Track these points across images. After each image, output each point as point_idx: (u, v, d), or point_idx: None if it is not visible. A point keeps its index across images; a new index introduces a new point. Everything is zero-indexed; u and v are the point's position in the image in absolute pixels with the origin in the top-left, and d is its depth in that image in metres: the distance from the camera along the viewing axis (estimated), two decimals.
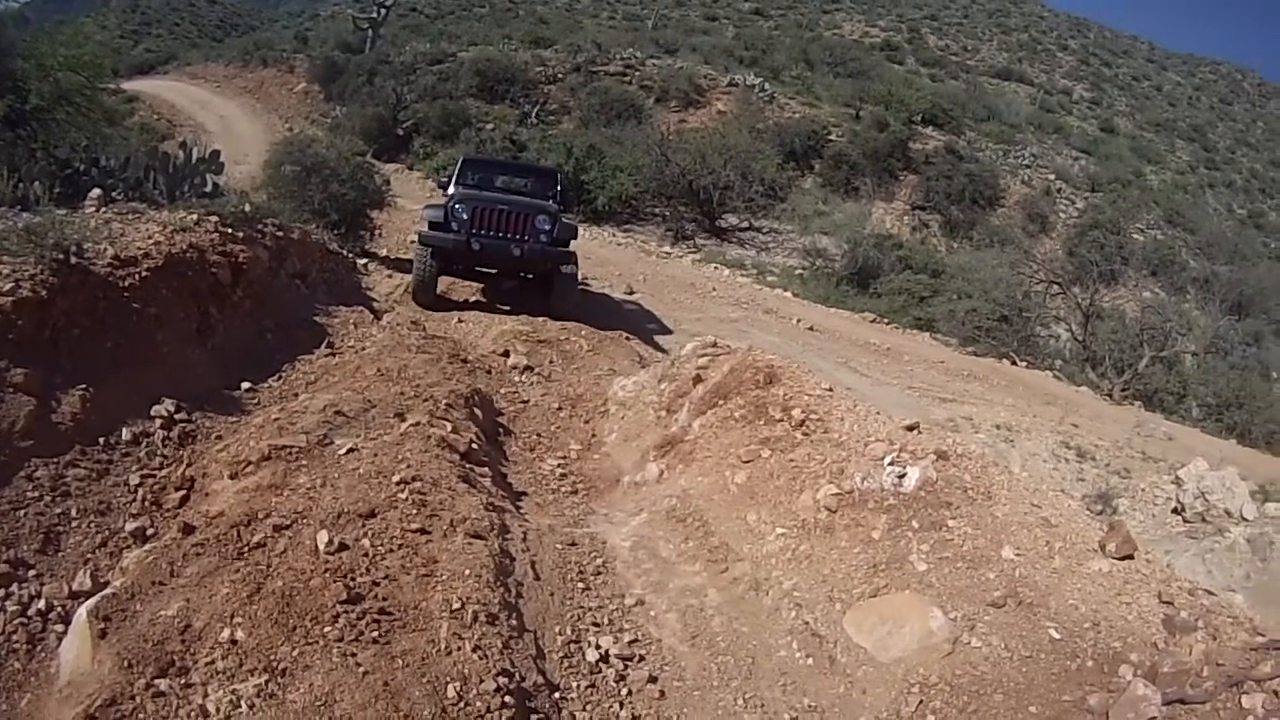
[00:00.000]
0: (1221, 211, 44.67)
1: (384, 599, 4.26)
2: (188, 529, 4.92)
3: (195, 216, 8.45)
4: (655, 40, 43.11)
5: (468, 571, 4.58)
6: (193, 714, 3.62)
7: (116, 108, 17.97)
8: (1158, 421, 14.22)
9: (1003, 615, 4.49)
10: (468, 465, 6.16)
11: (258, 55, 41.06)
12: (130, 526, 5.30)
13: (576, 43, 37.63)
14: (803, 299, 18.35)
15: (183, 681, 3.77)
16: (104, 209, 8.39)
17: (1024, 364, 16.51)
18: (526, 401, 9.04)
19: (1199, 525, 8.96)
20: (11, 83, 10.22)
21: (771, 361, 7.46)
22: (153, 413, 6.37)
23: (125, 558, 4.98)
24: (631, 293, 15.90)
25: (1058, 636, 4.30)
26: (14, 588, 4.53)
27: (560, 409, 8.97)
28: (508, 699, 3.87)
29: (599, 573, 5.47)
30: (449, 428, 6.56)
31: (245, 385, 7.60)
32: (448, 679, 3.85)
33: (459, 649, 4.03)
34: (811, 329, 15.70)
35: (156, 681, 3.73)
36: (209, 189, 11.06)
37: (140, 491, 5.65)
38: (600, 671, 4.58)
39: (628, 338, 12.35)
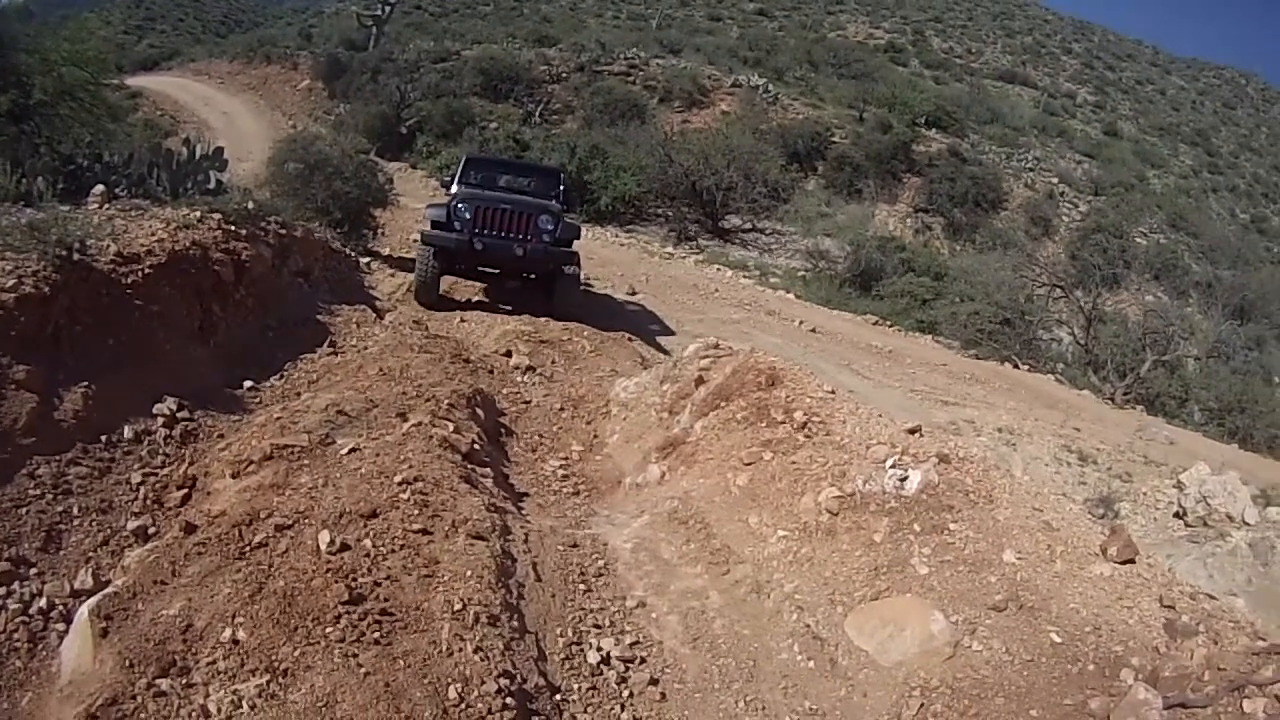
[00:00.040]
0: (1224, 216, 44.69)
1: (385, 600, 4.26)
2: (189, 528, 4.91)
3: (198, 214, 8.46)
4: (659, 40, 43.16)
5: (469, 572, 4.58)
6: (194, 714, 3.62)
7: (120, 104, 18.03)
8: (1160, 426, 14.19)
9: (1004, 619, 4.49)
10: (470, 466, 6.16)
11: (262, 52, 41.09)
12: (132, 525, 5.30)
13: (581, 42, 37.69)
14: (805, 301, 18.34)
15: (184, 681, 3.77)
16: (107, 205, 8.39)
17: (1026, 367, 16.49)
18: (529, 402, 9.03)
19: (1200, 529, 8.94)
20: (15, 77, 10.21)
21: (773, 363, 7.45)
22: (155, 411, 6.37)
23: (127, 556, 4.99)
24: (634, 293, 15.89)
25: (1059, 640, 4.30)
26: (15, 586, 4.53)
27: (562, 410, 8.97)
28: (509, 700, 3.87)
29: (600, 574, 5.47)
30: (451, 428, 6.56)
31: (247, 384, 7.60)
32: (449, 680, 3.85)
33: (460, 650, 4.03)
34: (814, 331, 15.69)
35: (158, 681, 3.73)
36: (212, 186, 11.06)
37: (142, 490, 5.65)
38: (601, 673, 4.58)
39: (630, 339, 12.34)
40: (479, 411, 7.64)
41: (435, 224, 12.01)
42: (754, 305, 16.95)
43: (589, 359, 10.56)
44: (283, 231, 10.04)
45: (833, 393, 6.99)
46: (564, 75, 34.30)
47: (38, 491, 5.13)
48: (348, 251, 13.18)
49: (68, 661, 4.06)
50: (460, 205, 11.95)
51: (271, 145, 16.82)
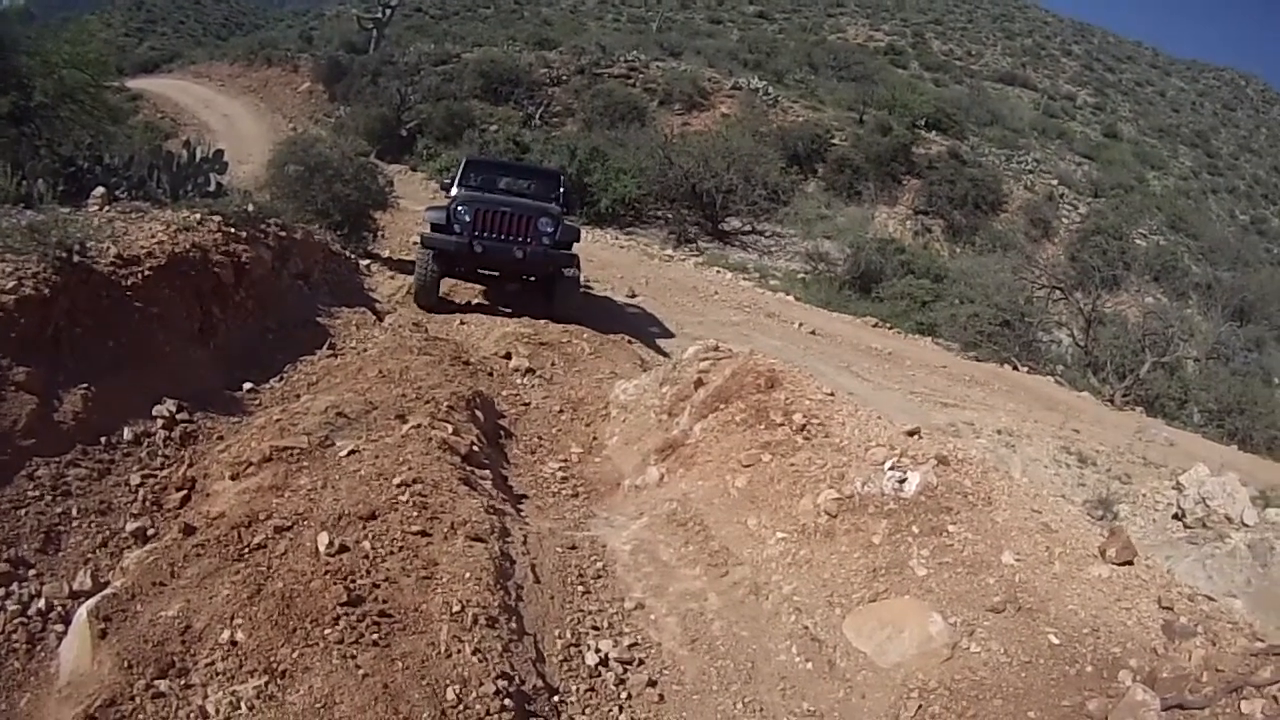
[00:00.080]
0: (1224, 217, 44.70)
1: (384, 601, 4.27)
2: (188, 530, 4.92)
3: (198, 216, 8.47)
4: (659, 43, 43.16)
5: (468, 574, 4.58)
6: (192, 715, 3.63)
7: (120, 106, 18.03)
8: (1159, 427, 14.20)
9: (1002, 620, 4.50)
10: (469, 468, 6.17)
11: (262, 54, 41.10)
12: (131, 526, 5.31)
13: (581, 45, 37.67)
14: (805, 303, 18.34)
15: (182, 682, 3.77)
16: (107, 207, 8.40)
17: (1025, 369, 16.49)
18: (528, 404, 9.03)
19: (1200, 531, 8.93)
20: (16, 79, 10.22)
21: (773, 366, 7.46)
22: (154, 412, 6.38)
23: (126, 558, 4.99)
24: (634, 296, 15.89)
25: (1057, 642, 4.30)
26: (14, 587, 4.54)
27: (561, 412, 8.97)
28: (507, 702, 3.87)
29: (599, 576, 5.47)
30: (450, 430, 6.56)
31: (247, 386, 7.61)
32: (447, 681, 3.85)
33: (459, 652, 4.03)
34: (813, 333, 15.69)
35: (156, 682, 3.74)
36: (212, 188, 11.06)
37: (141, 491, 5.66)
38: (600, 675, 4.58)
39: (630, 341, 12.34)
40: (478, 414, 7.65)
41: (435, 226, 12.00)
42: (753, 307, 16.95)
43: (588, 361, 10.56)
44: (283, 234, 10.05)
45: (832, 395, 6.99)
46: (564, 78, 34.29)
47: (37, 493, 5.14)
48: (347, 254, 13.19)
49: (66, 662, 4.06)
50: (460, 208, 11.93)
51: (272, 148, 16.82)
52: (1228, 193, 50.88)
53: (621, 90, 32.71)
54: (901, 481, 5.58)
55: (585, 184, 22.39)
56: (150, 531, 5.32)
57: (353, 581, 4.31)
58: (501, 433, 8.09)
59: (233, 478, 5.66)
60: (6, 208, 7.54)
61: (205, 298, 7.84)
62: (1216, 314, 22.40)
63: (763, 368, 7.39)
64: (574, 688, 4.45)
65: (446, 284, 12.75)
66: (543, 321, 11.57)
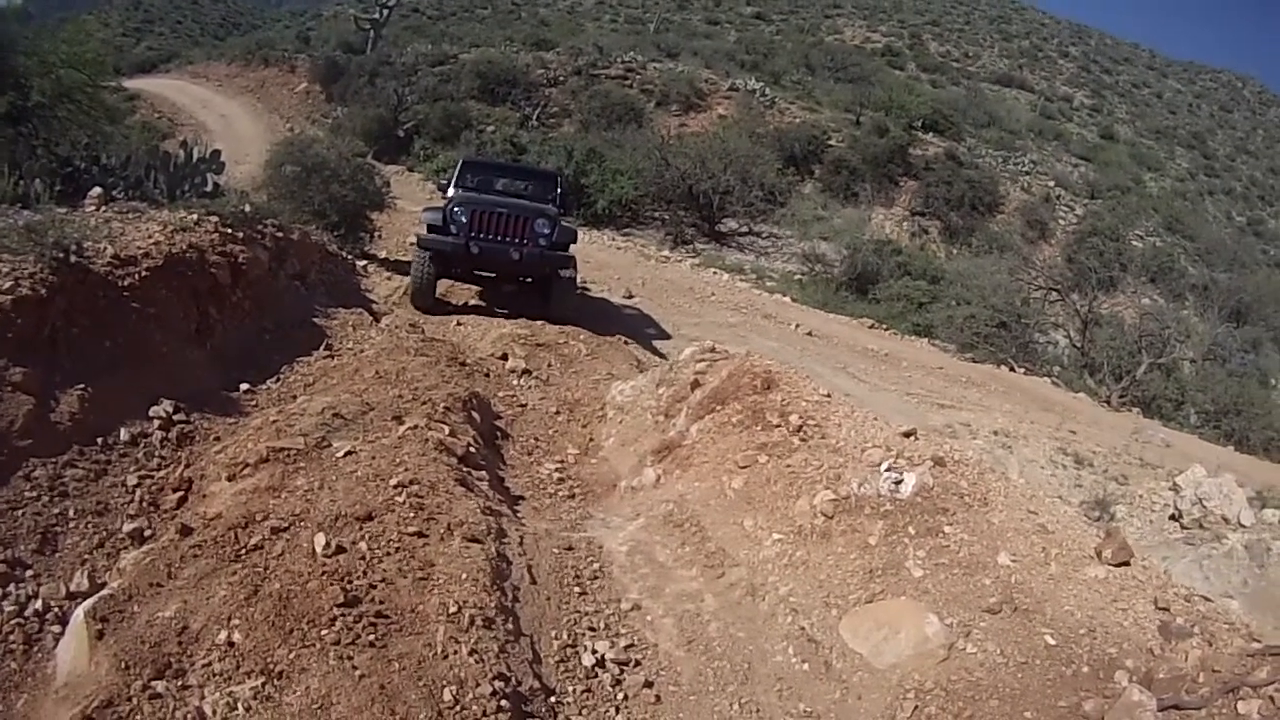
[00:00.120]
0: (1221, 219, 44.76)
1: (381, 602, 4.27)
2: (185, 530, 4.92)
3: (195, 216, 8.46)
4: (656, 44, 43.15)
5: (464, 575, 4.59)
6: (189, 716, 3.62)
7: (118, 106, 17.98)
8: (1156, 428, 14.22)
9: (999, 621, 4.50)
10: (465, 469, 6.17)
11: (259, 55, 41.03)
12: (128, 527, 5.31)
13: (578, 45, 37.66)
14: (801, 304, 18.34)
15: (180, 683, 3.77)
16: (104, 208, 8.40)
17: (1022, 370, 16.51)
18: (524, 405, 9.04)
19: (1196, 532, 8.96)
20: (13, 79, 10.22)
21: (769, 367, 7.46)
22: (151, 413, 6.38)
23: (123, 559, 4.99)
24: (630, 297, 15.90)
25: (1053, 643, 4.31)
26: (11, 588, 4.54)
27: (558, 413, 8.97)
28: (504, 703, 3.87)
29: (595, 577, 5.47)
30: (447, 431, 6.56)
31: (244, 387, 7.60)
32: (444, 682, 3.85)
33: (455, 653, 4.03)
34: (810, 334, 15.70)
35: (153, 683, 3.73)
36: (209, 189, 11.07)
37: (138, 492, 5.66)
38: (596, 676, 4.59)
39: (626, 342, 12.34)
40: (475, 415, 7.65)
41: (431, 228, 11.97)
42: (750, 309, 16.95)
43: (585, 362, 10.56)
44: (279, 234, 10.04)
45: (828, 396, 7.00)
46: (561, 79, 34.27)
47: (34, 494, 5.14)
48: (344, 254, 13.18)
49: (63, 664, 4.06)
50: (456, 209, 11.90)
51: (269, 148, 16.81)
52: (1224, 194, 50.96)
53: (618, 91, 32.70)
54: (898, 483, 5.58)
55: (582, 185, 22.39)
56: (147, 532, 5.32)
57: (349, 582, 4.31)
58: (498, 434, 8.09)
59: (229, 479, 5.66)
60: (3, 208, 7.55)
61: (202, 298, 7.83)
62: (1213, 315, 22.42)
63: (759, 369, 7.39)
64: (570, 689, 4.45)
65: (443, 285, 12.74)
66: (539, 323, 11.57)
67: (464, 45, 39.24)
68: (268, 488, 5.36)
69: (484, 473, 6.48)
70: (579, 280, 13.46)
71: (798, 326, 16.06)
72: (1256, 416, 15.94)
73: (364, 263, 13.99)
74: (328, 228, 13.64)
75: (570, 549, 5.71)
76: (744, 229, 25.07)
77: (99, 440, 5.84)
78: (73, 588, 4.66)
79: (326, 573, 4.35)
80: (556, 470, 7.63)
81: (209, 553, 4.61)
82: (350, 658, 3.89)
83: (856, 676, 4.55)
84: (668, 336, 13.71)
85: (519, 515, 6.31)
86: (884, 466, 5.74)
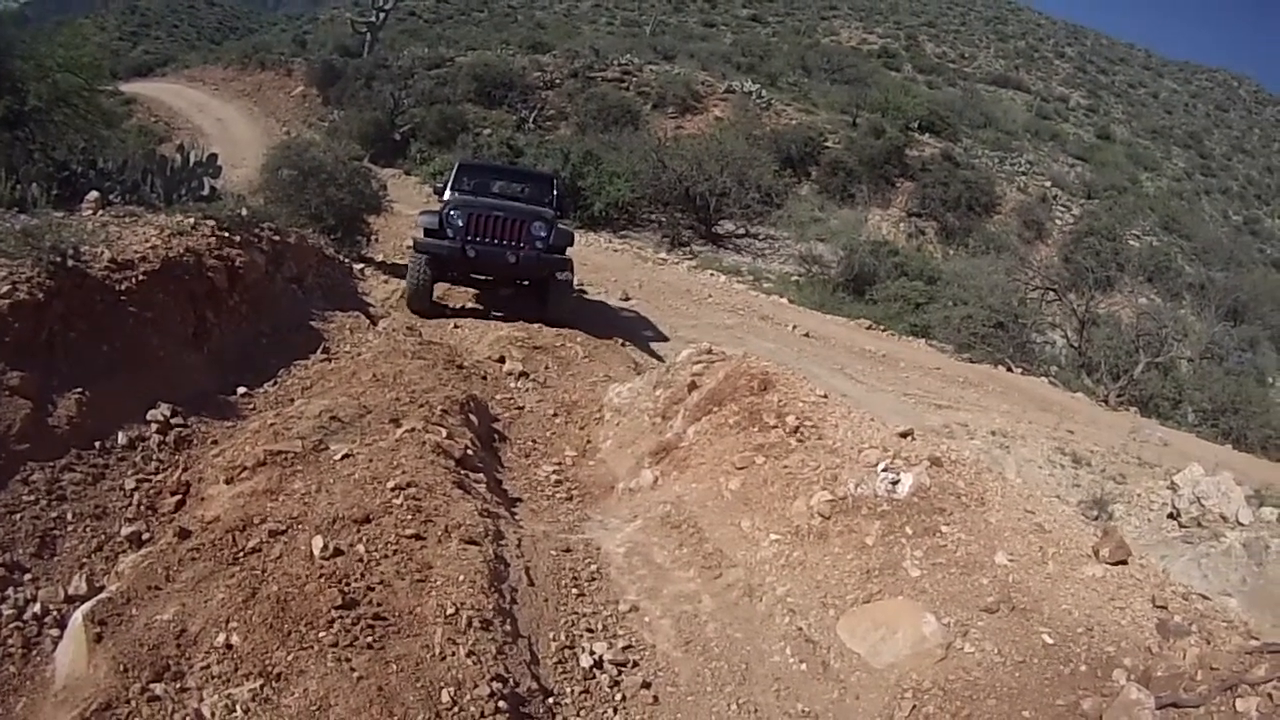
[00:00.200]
0: (1217, 218, 44.79)
1: (379, 604, 4.27)
2: (183, 534, 4.92)
3: (192, 220, 8.46)
4: (653, 46, 43.13)
5: (462, 577, 4.59)
6: (188, 718, 3.63)
7: (114, 110, 18.00)
8: (1153, 427, 14.23)
9: (996, 620, 4.51)
10: (463, 471, 6.17)
11: (256, 58, 41.03)
12: (126, 531, 5.31)
13: (574, 48, 37.65)
14: (799, 305, 18.34)
15: (178, 686, 3.77)
16: (101, 212, 8.40)
17: (1019, 370, 16.51)
18: (522, 408, 9.04)
19: (1194, 530, 8.96)
20: (10, 83, 10.21)
21: (766, 368, 7.47)
22: (148, 417, 6.37)
23: (121, 562, 4.99)
24: (627, 299, 15.90)
25: (1051, 641, 4.31)
26: (9, 591, 4.53)
27: (556, 415, 8.98)
28: (502, 704, 3.88)
29: (593, 579, 5.48)
30: (444, 434, 6.56)
31: (241, 390, 7.59)
32: (442, 684, 3.86)
33: (453, 654, 4.03)
34: (807, 335, 15.70)
35: (152, 686, 3.74)
36: (206, 192, 11.06)
37: (136, 496, 5.65)
38: (594, 677, 4.59)
39: (623, 344, 12.35)
40: (472, 417, 7.65)
41: (428, 231, 11.96)
42: (747, 310, 16.95)
43: (582, 365, 10.56)
44: (276, 238, 10.03)
45: (825, 397, 7.01)
46: (558, 81, 34.28)
47: (32, 497, 5.13)
48: (341, 258, 13.17)
49: (62, 667, 4.06)
50: (453, 212, 11.89)
51: (265, 152, 16.79)
52: (1221, 193, 51.01)
53: (615, 94, 32.70)
54: (895, 483, 5.59)
55: (579, 187, 22.41)
56: (145, 536, 5.32)
57: (347, 585, 4.31)
58: (496, 436, 8.10)
59: (227, 482, 5.66)
60: (0, 212, 7.54)
61: (199, 302, 7.82)
62: (1210, 314, 22.43)
63: (756, 370, 7.40)
64: (568, 690, 4.45)
65: (440, 288, 12.74)
66: (536, 325, 11.58)
67: (460, 48, 39.24)
68: (265, 491, 5.36)
69: (481, 475, 6.47)
70: (576, 283, 13.47)
71: (795, 328, 16.06)
72: (1254, 415, 15.95)
73: (361, 266, 13.98)
74: (324, 231, 13.63)
75: (568, 550, 5.72)
76: (741, 231, 25.07)
77: (97, 444, 5.84)
78: (71, 591, 4.66)
79: (324, 575, 4.35)
80: (554, 472, 7.63)
81: (207, 556, 4.61)
82: (348, 659, 3.89)
83: (854, 676, 4.56)
84: (665, 338, 13.71)
85: (516, 517, 6.31)
86: (881, 467, 5.74)
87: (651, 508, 6.46)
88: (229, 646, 3.94)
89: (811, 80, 42.51)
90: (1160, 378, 17.04)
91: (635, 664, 4.77)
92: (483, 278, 12.75)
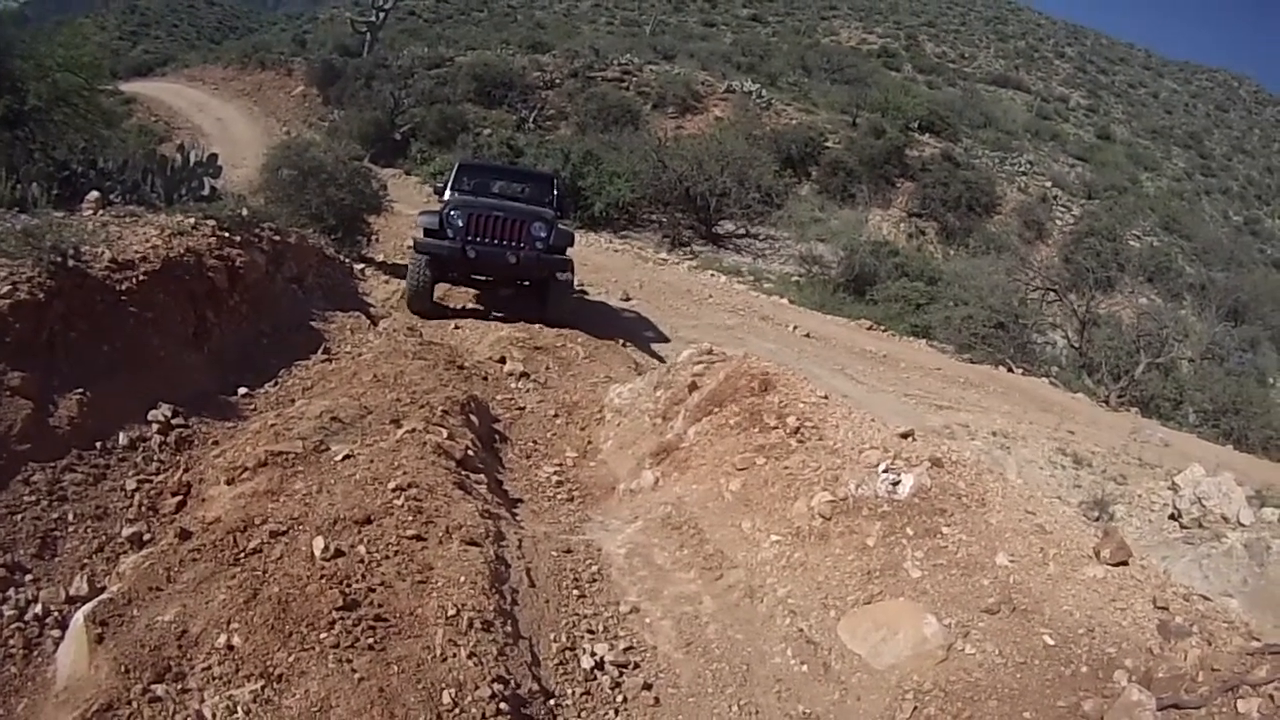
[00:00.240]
0: (1218, 218, 44.77)
1: (380, 605, 4.27)
2: (184, 534, 4.92)
3: (192, 220, 8.46)
4: (653, 46, 43.12)
5: (463, 578, 4.59)
6: (189, 719, 3.63)
7: (114, 109, 17.96)
8: (1154, 427, 14.22)
9: (997, 622, 4.51)
10: (464, 472, 6.17)
11: (256, 58, 40.98)
12: (127, 532, 5.31)
13: (574, 48, 37.63)
14: (799, 306, 18.34)
15: (179, 687, 3.77)
16: (101, 211, 8.40)
17: (1020, 371, 16.51)
18: (523, 408, 9.03)
19: (1196, 531, 8.97)
20: (10, 83, 10.22)
21: (767, 369, 7.47)
22: (149, 417, 6.37)
23: (122, 563, 4.99)
24: (628, 299, 15.89)
25: (1052, 643, 4.31)
26: (11, 592, 4.53)
27: (556, 416, 8.97)
28: (503, 705, 3.88)
29: (594, 580, 5.48)
30: (445, 434, 6.56)
31: (242, 391, 7.59)
32: (443, 685, 3.86)
33: (454, 655, 4.03)
34: (808, 336, 15.70)
35: (153, 687, 3.74)
36: (206, 192, 11.06)
37: (137, 497, 5.65)
38: (595, 678, 4.59)
39: (624, 345, 12.35)
40: (473, 418, 7.64)
41: (428, 231, 11.93)
42: (748, 311, 16.95)
43: (583, 365, 10.56)
44: (277, 238, 10.03)
45: (826, 398, 7.00)
46: (558, 81, 34.26)
47: (33, 498, 5.13)
48: (342, 258, 13.17)
49: (63, 667, 4.06)
50: (453, 213, 11.87)
51: (265, 152, 16.79)
52: (1221, 194, 50.99)
53: (615, 93, 32.68)
54: (895, 484, 5.59)
55: (579, 188, 22.40)
56: (146, 536, 5.32)
57: (348, 586, 4.31)
58: (496, 437, 8.09)
59: (228, 482, 5.66)
60: (1, 212, 7.54)
61: (199, 302, 7.82)
62: (1211, 315, 22.44)
63: (756, 371, 7.40)
64: (569, 691, 4.45)
65: (441, 288, 12.72)
66: (537, 326, 11.56)
67: (460, 48, 39.21)
68: (266, 491, 5.36)
69: (482, 476, 6.47)
70: (576, 283, 13.46)
71: (795, 328, 16.06)
72: (1255, 415, 15.95)
73: (361, 266, 13.97)
74: (325, 231, 13.62)
75: (569, 552, 5.71)
76: (741, 231, 25.07)
77: (97, 444, 5.84)
78: (72, 592, 4.66)
79: (325, 576, 4.35)
80: (555, 473, 7.63)
81: (208, 556, 4.61)
82: (349, 661, 3.89)
83: (855, 678, 4.56)
84: (665, 339, 13.71)
85: (517, 518, 6.31)
86: (882, 468, 5.74)
87: (652, 509, 6.46)
88: (230, 647, 3.94)
89: (811, 80, 42.49)
90: (1161, 378, 17.04)
91: (636, 665, 4.77)
92: (483, 278, 12.73)
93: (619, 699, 4.51)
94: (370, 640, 4.02)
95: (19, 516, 4.98)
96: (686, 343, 11.12)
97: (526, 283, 12.66)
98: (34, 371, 5.66)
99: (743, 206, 24.46)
